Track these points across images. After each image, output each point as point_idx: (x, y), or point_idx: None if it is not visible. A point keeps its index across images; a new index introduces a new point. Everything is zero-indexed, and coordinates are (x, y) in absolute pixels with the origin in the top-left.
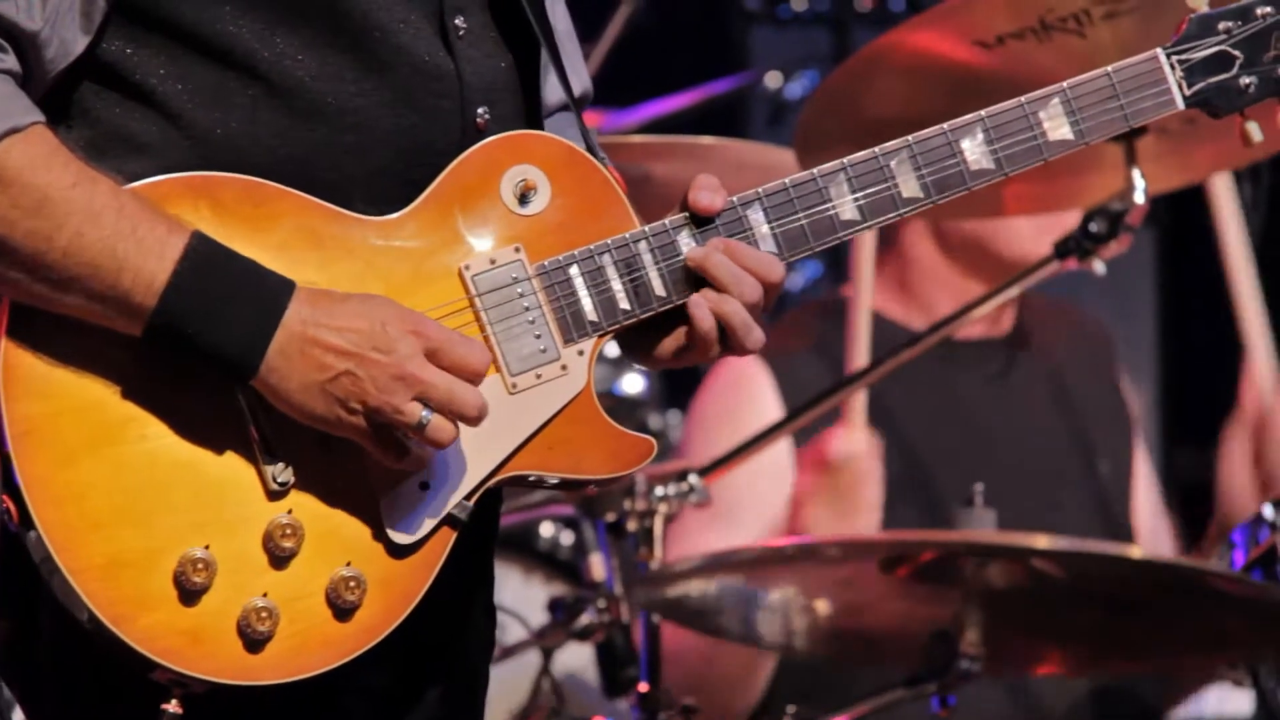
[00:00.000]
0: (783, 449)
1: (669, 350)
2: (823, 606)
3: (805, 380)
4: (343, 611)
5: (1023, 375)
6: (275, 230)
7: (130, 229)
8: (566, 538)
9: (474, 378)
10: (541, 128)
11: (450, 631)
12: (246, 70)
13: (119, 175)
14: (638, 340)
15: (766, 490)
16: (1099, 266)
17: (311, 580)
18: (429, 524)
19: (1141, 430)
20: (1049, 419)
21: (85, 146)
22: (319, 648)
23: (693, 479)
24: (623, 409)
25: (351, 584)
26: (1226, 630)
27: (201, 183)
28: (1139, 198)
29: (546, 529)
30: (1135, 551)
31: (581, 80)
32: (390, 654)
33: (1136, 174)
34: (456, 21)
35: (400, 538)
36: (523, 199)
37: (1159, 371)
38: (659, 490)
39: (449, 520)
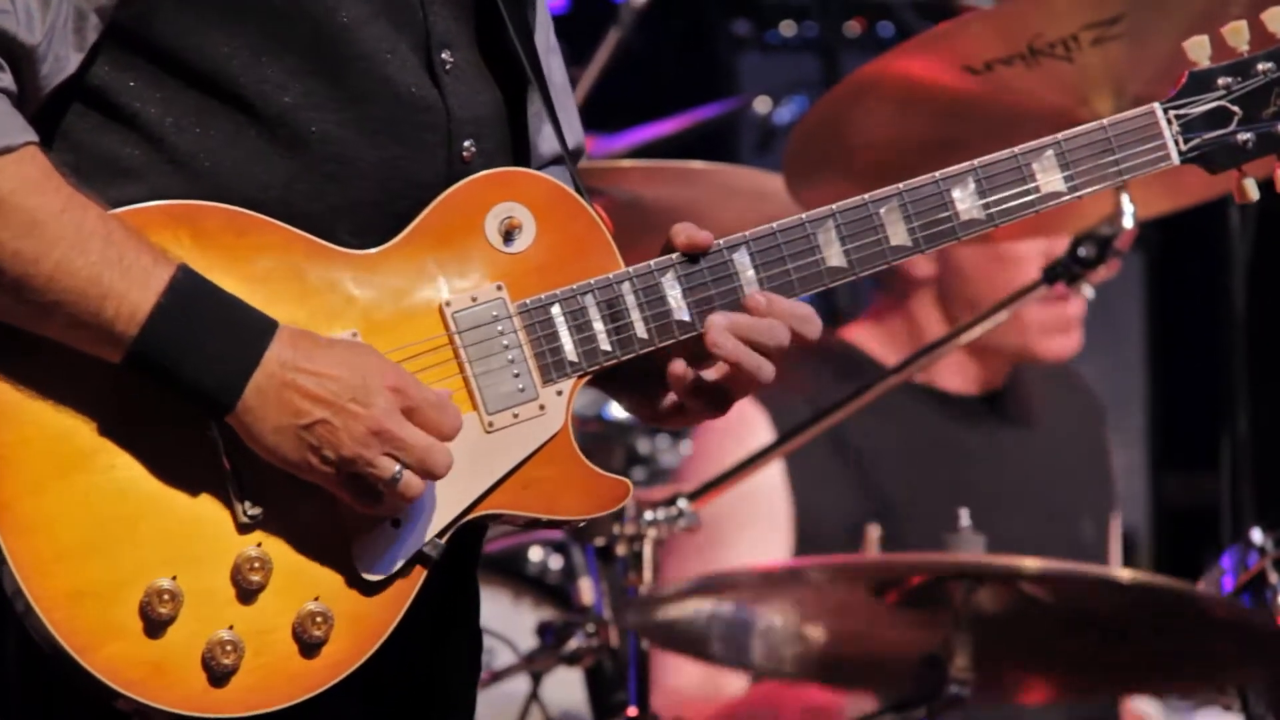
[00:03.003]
0: (779, 495)
1: (665, 405)
2: (813, 630)
3: (801, 420)
4: (309, 647)
5: (1014, 432)
6: (256, 261)
7: (117, 257)
8: (556, 562)
9: (445, 441)
10: (529, 163)
11: (428, 659)
12: (230, 96)
13: (102, 199)
14: (633, 391)
15: (763, 534)
16: (1088, 291)
17: (279, 614)
18: (399, 561)
19: (1119, 507)
20: (1037, 476)
21: (68, 169)
22: (284, 682)
23: (682, 504)
24: (612, 433)
25: (318, 619)
26: (1216, 654)
27: (184, 211)
28: (1128, 222)
29: (535, 553)
30: (1124, 575)
31: (575, 134)
32: (364, 683)
33: (1125, 199)
34: (443, 55)
35: (370, 574)
36: (507, 237)
37: (1147, 396)
38: (648, 515)
39: (419, 558)
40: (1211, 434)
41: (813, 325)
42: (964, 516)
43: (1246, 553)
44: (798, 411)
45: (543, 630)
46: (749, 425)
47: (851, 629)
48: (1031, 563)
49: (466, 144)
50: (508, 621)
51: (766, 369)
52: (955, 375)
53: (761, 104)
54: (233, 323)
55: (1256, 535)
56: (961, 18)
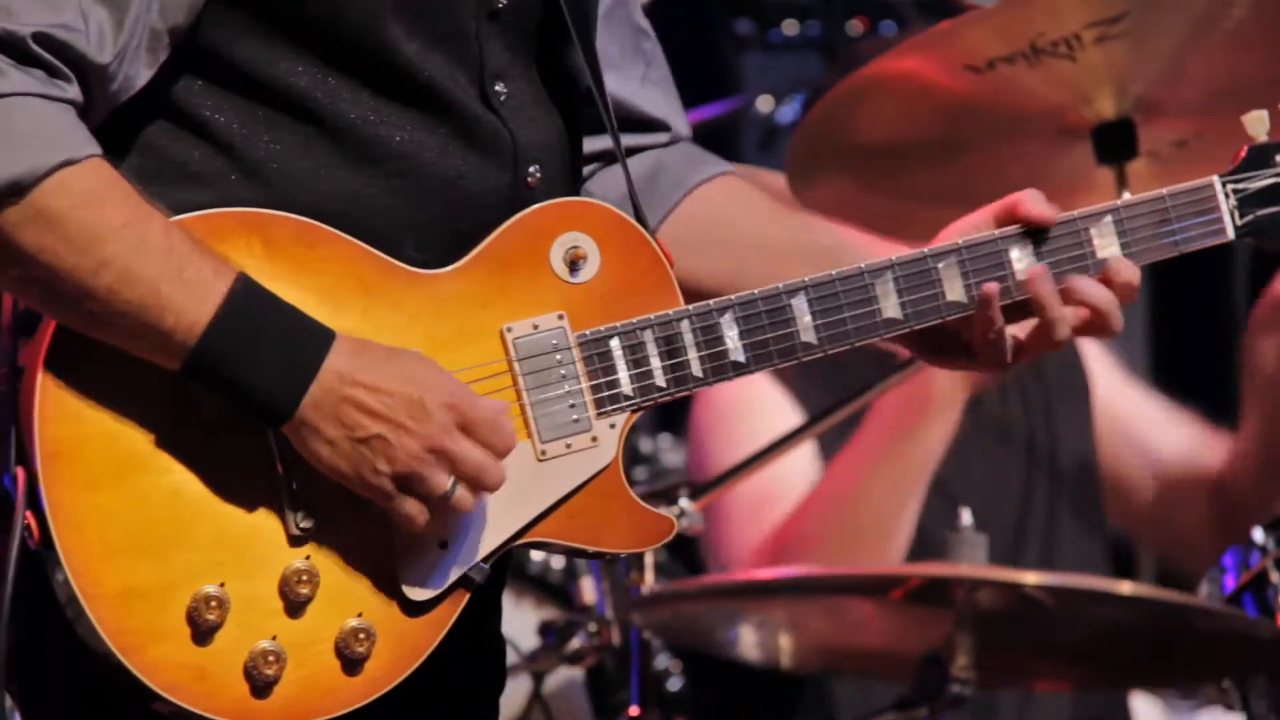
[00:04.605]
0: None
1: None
2: (815, 627)
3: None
4: (350, 662)
5: (1001, 390)
6: (324, 274)
7: (176, 271)
8: (557, 562)
9: (500, 456)
10: (580, 185)
11: (458, 678)
12: (301, 109)
13: (168, 204)
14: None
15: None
16: None
17: (322, 628)
18: (444, 583)
19: (1110, 372)
20: (1021, 431)
21: (135, 172)
22: (322, 696)
23: (683, 503)
24: None
25: (361, 635)
26: (1217, 652)
27: (256, 219)
28: None
29: (537, 553)
30: (1124, 587)
31: (679, 118)
32: (394, 700)
33: (1127, 196)
34: (496, 88)
35: (414, 594)
36: (572, 266)
37: (1152, 386)
38: None
39: (464, 581)
40: (1216, 420)
41: (1129, 270)
42: (965, 515)
43: (1248, 552)
44: (814, 378)
45: (544, 630)
46: (770, 403)
47: (853, 627)
48: (1031, 576)
49: (532, 169)
50: (509, 621)
51: (1064, 324)
52: None
53: (764, 103)
54: (290, 334)
55: (1258, 534)
56: (963, 16)
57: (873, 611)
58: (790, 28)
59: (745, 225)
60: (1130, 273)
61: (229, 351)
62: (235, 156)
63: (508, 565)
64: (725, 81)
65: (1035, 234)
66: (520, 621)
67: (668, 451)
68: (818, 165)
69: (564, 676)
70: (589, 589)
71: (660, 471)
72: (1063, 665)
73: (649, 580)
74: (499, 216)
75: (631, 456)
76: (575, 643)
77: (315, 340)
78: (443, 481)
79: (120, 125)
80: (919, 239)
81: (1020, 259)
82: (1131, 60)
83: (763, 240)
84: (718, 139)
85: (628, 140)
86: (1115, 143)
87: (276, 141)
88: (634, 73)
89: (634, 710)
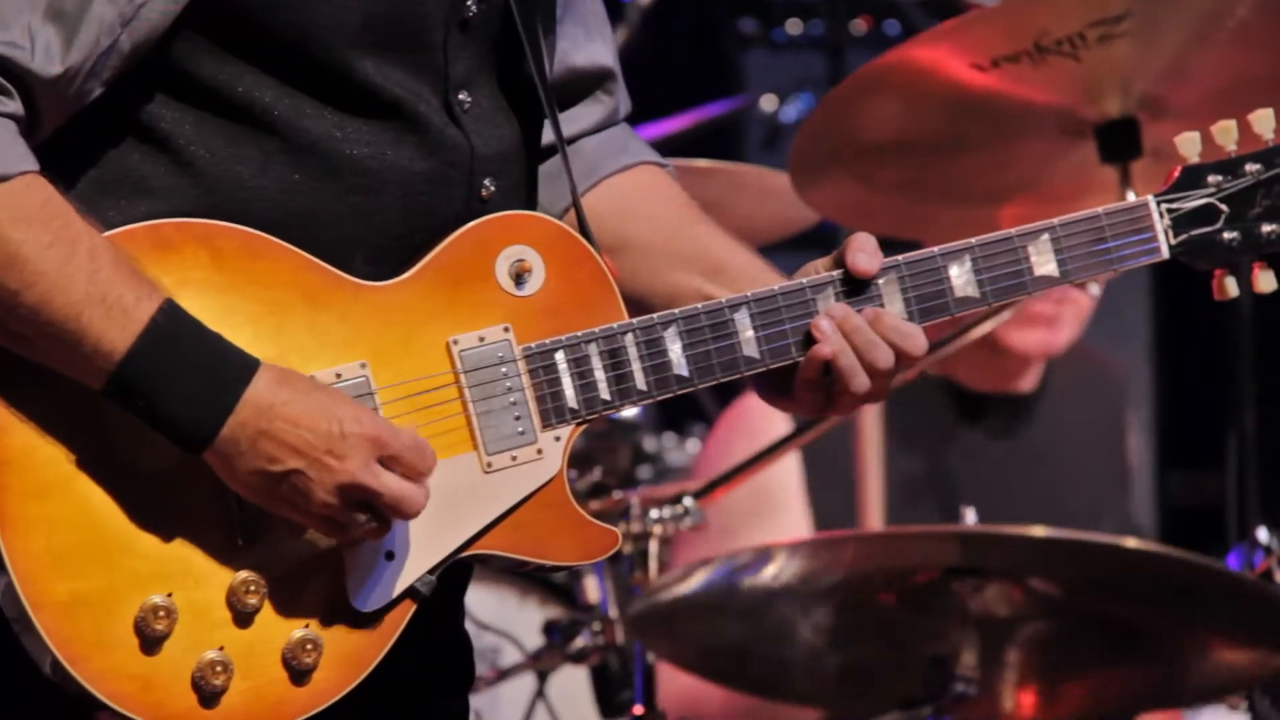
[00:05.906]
0: (794, 492)
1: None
2: (819, 632)
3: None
4: (298, 673)
5: (1039, 433)
6: (270, 286)
7: (99, 297)
8: None
9: (423, 477)
10: (536, 193)
11: (418, 673)
12: (263, 125)
13: (125, 216)
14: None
15: (776, 533)
16: (1094, 289)
17: (270, 639)
18: (390, 594)
19: (1134, 480)
20: (1058, 477)
21: (91, 184)
22: (269, 707)
23: (688, 502)
24: (618, 432)
25: (308, 646)
26: (1221, 655)
27: (203, 230)
28: None
29: None
30: (1130, 542)
31: (596, 55)
32: (353, 704)
33: (1131, 196)
34: (460, 97)
35: (361, 606)
36: (518, 280)
37: (1153, 394)
38: (654, 513)
39: (410, 592)
40: (1218, 432)
41: (914, 341)
42: (969, 516)
43: (1252, 551)
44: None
45: (549, 628)
46: (766, 419)
47: (858, 626)
48: (1039, 530)
49: (486, 182)
50: (514, 620)
51: (860, 379)
52: (974, 372)
53: (768, 102)
54: (210, 366)
55: (1262, 534)
56: (967, 15)
57: (878, 611)
58: (794, 26)
59: (638, 229)
60: (915, 345)
61: (145, 381)
62: (194, 172)
63: (471, 569)
64: (729, 80)
65: (975, 249)
66: (524, 620)
67: (672, 451)
68: (821, 164)
69: (568, 675)
70: (593, 588)
71: (665, 470)
72: (1067, 669)
73: (653, 578)
74: (453, 230)
75: (635, 455)
76: (579, 641)
77: (236, 372)
78: (359, 519)
79: (79, 137)
80: (922, 236)
81: (959, 275)
82: (1135, 59)
83: (650, 247)
84: (722, 138)
85: (580, 111)
86: (1119, 142)
87: (236, 158)
88: (577, 34)
89: (638, 709)
